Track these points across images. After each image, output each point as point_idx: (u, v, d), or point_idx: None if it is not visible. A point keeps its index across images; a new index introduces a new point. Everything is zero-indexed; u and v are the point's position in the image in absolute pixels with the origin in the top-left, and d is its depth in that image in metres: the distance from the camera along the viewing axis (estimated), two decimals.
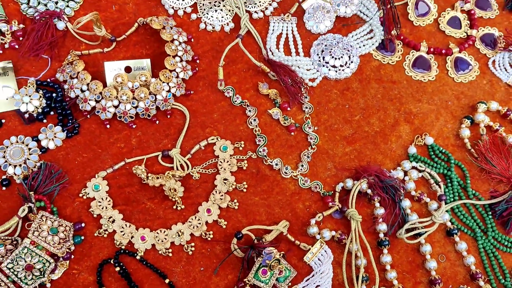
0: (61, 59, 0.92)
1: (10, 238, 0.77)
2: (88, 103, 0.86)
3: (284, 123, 0.91)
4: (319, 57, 0.97)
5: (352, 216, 0.83)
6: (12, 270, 0.74)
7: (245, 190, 0.86)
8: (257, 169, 0.88)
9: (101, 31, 0.91)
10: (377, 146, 0.92)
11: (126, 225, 0.82)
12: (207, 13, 0.99)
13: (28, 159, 0.84)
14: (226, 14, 1.00)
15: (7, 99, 0.87)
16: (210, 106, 0.92)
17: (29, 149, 0.85)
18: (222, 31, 0.99)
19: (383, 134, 0.93)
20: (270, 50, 0.98)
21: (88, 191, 0.83)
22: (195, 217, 0.83)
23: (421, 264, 0.85)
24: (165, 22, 0.93)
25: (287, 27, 1.00)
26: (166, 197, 0.84)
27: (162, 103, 0.88)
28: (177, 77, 0.90)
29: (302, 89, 0.93)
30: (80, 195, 0.83)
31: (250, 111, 0.92)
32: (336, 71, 0.97)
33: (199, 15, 0.99)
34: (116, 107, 0.86)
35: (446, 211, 0.86)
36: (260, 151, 0.89)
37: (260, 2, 1.02)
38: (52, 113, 0.88)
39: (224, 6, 1.00)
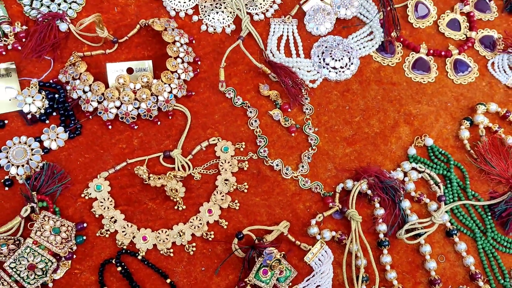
0: (63, 60, 0.93)
1: (12, 238, 0.77)
2: (90, 104, 0.86)
3: (285, 124, 0.92)
4: (320, 59, 0.98)
5: (352, 217, 0.83)
6: (14, 269, 0.74)
7: (246, 190, 0.87)
8: (258, 170, 0.89)
9: (103, 33, 0.91)
10: (377, 147, 0.93)
11: (127, 225, 0.82)
12: (209, 15, 1.00)
13: (31, 159, 0.84)
14: (227, 16, 1.00)
15: (10, 100, 0.88)
16: (211, 107, 0.93)
17: (32, 149, 0.85)
18: (223, 33, 0.99)
19: (383, 135, 0.94)
20: (271, 52, 0.98)
21: (90, 191, 0.84)
22: (196, 217, 0.84)
23: (421, 264, 0.85)
24: (167, 24, 0.94)
25: (287, 29, 1.01)
26: (168, 197, 0.84)
27: (164, 104, 0.88)
28: (179, 78, 0.91)
29: (303, 90, 0.94)
30: (82, 195, 0.84)
31: (251, 112, 0.92)
32: (337, 73, 0.97)
33: (200, 17, 1.00)
34: (118, 108, 0.87)
35: (446, 211, 0.87)
36: (261, 152, 0.89)
37: (261, 4, 1.02)
38: (54, 114, 0.89)
39: (225, 8, 1.01)
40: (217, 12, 1.00)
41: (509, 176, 0.90)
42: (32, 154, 0.85)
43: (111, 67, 0.90)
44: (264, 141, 0.90)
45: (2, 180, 0.83)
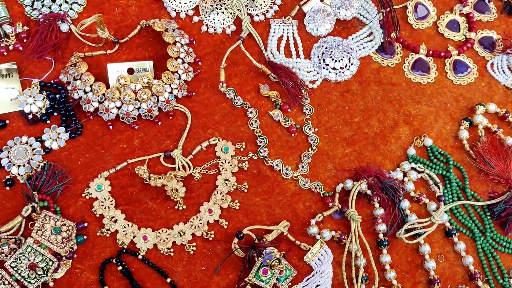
0: (64, 60, 0.93)
1: (13, 237, 0.78)
2: (91, 104, 0.87)
3: (285, 124, 0.92)
4: (320, 60, 0.98)
5: (352, 217, 0.83)
6: (15, 268, 0.74)
7: (246, 190, 0.87)
8: (258, 170, 0.89)
9: (104, 33, 0.91)
10: (377, 147, 0.93)
11: (128, 224, 0.82)
12: (209, 16, 1.00)
13: (32, 159, 0.84)
14: (228, 17, 1.01)
15: (11, 100, 0.88)
16: (212, 107, 0.93)
17: (33, 149, 0.85)
18: (224, 34, 1.00)
19: (382, 136, 0.94)
20: (271, 53, 0.99)
21: (91, 191, 0.84)
22: (197, 217, 0.84)
23: (420, 264, 0.85)
24: (168, 25, 0.94)
25: (288, 29, 1.01)
26: (168, 197, 0.85)
27: (164, 104, 0.89)
28: (179, 78, 0.91)
29: (303, 91, 0.94)
30: (83, 195, 0.84)
31: (251, 112, 0.93)
32: (336, 73, 0.98)
33: (201, 17, 1.00)
34: (118, 108, 0.87)
35: (445, 211, 0.87)
36: (261, 152, 0.90)
37: (261, 5, 1.03)
38: (55, 114, 0.89)
39: (225, 9, 1.01)
40: (217, 13, 1.01)
41: (508, 176, 0.91)
42: (33, 154, 0.85)
43: (112, 67, 0.91)
44: (264, 141, 0.91)
45: (3, 180, 0.83)
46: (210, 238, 0.83)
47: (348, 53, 0.99)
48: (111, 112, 0.87)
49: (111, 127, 0.89)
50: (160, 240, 0.82)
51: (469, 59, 1.03)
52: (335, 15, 1.02)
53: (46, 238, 0.76)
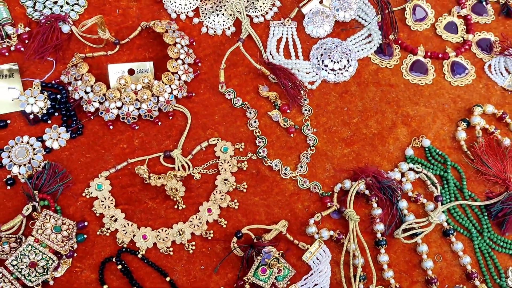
0: (65, 61, 0.94)
1: (14, 236, 0.78)
2: (92, 105, 0.87)
3: (284, 125, 0.93)
4: (318, 61, 0.99)
5: (350, 216, 0.84)
6: (16, 267, 0.75)
7: (245, 190, 0.88)
8: (257, 170, 0.89)
9: (105, 34, 0.92)
10: (375, 148, 0.93)
11: (128, 224, 0.83)
12: (209, 17, 1.01)
13: (33, 159, 0.85)
14: (228, 19, 1.01)
15: (12, 100, 0.89)
16: (211, 108, 0.93)
17: (34, 149, 0.86)
18: (224, 35, 1.00)
19: (380, 136, 0.95)
20: (271, 54, 0.99)
21: (91, 190, 0.85)
22: (196, 216, 0.84)
23: (418, 263, 0.86)
24: (168, 26, 0.95)
25: (287, 31, 1.02)
26: (168, 196, 0.85)
27: (164, 105, 0.89)
28: (179, 79, 0.92)
29: (302, 92, 0.94)
30: (83, 194, 0.84)
31: (250, 113, 0.93)
32: (335, 75, 0.98)
33: (201, 19, 1.01)
34: (119, 108, 0.88)
35: (443, 211, 0.87)
36: (260, 152, 0.90)
37: (260, 6, 1.03)
38: (56, 114, 0.90)
39: (225, 10, 1.02)
40: (217, 15, 1.01)
41: (505, 176, 0.91)
42: (34, 154, 0.86)
43: (113, 68, 0.91)
44: (263, 141, 0.91)
45: (5, 179, 0.83)
46: (209, 238, 0.83)
47: (346, 54, 1.00)
48: (111, 112, 0.87)
49: (111, 127, 0.90)
50: (159, 239, 0.82)
51: (467, 60, 1.04)
52: (334, 17, 1.03)
53: (47, 236, 0.76)
